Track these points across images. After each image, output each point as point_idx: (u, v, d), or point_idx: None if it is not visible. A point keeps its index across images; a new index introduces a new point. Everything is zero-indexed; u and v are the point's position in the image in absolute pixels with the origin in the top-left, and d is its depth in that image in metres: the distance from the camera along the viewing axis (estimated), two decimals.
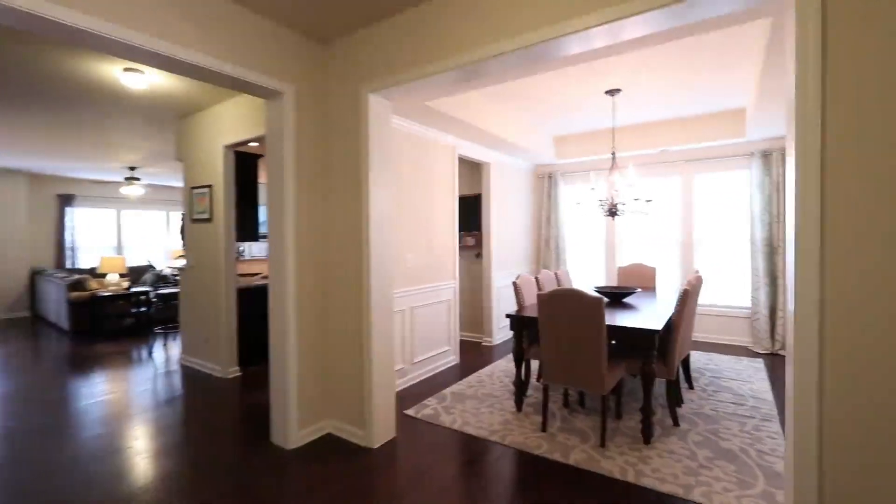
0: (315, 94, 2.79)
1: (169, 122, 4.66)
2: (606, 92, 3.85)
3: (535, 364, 4.12)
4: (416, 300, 3.94)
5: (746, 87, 3.69)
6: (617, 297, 3.64)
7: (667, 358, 2.86)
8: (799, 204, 1.44)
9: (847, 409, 1.35)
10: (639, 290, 3.74)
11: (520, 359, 3.18)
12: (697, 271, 3.96)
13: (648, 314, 3.11)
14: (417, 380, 3.92)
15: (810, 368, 1.40)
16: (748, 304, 5.06)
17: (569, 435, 2.78)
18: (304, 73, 2.71)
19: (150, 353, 5.08)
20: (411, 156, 3.94)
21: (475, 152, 4.85)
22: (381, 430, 2.70)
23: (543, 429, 2.84)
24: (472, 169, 5.62)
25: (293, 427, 2.65)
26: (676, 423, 2.89)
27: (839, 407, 1.36)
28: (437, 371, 4.18)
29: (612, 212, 3.84)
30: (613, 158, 3.89)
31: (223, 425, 3.03)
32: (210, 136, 4.16)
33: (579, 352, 2.63)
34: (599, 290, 3.78)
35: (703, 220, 5.39)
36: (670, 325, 2.87)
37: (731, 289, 5.23)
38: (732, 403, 3.28)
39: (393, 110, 3.53)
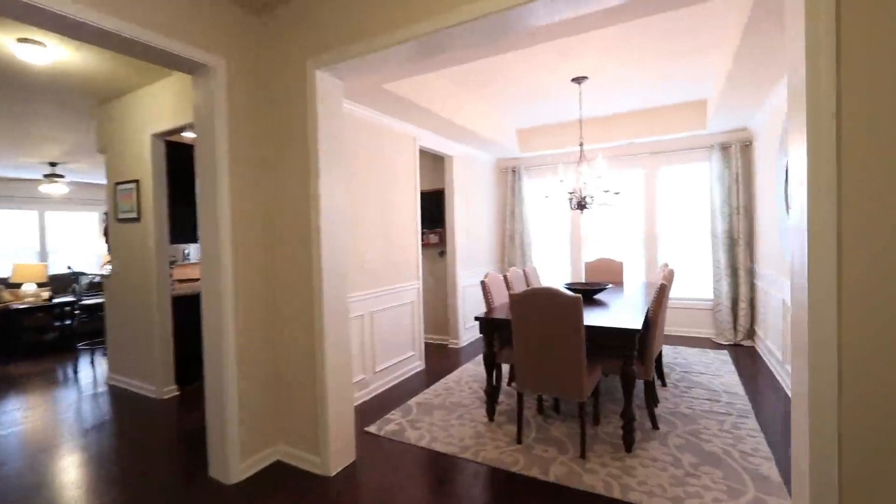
0: (252, 71, 2.42)
1: (89, 108, 4.08)
2: (573, 80, 3.68)
3: (506, 367, 3.91)
4: (376, 303, 3.62)
5: (714, 75, 3.62)
6: (588, 293, 3.48)
7: (644, 357, 2.70)
8: (811, 195, 1.26)
9: (868, 408, 1.19)
10: (610, 285, 3.59)
11: (491, 364, 2.94)
12: (667, 265, 3.87)
13: (623, 311, 2.95)
14: (380, 390, 3.61)
15: (828, 365, 1.23)
16: (710, 295, 5.09)
17: (546, 446, 2.57)
18: (237, 45, 2.34)
19: (74, 373, 4.47)
20: (369, 146, 3.61)
21: (437, 144, 4.58)
22: (338, 453, 2.38)
23: (519, 440, 2.61)
24: (434, 162, 5.35)
25: (234, 457, 2.28)
26: (656, 426, 2.75)
27: (859, 406, 1.20)
28: (401, 379, 3.88)
29: (581, 205, 3.68)
30: (581, 149, 3.73)
31: (155, 456, 2.60)
32: (136, 123, 3.65)
33: (556, 356, 2.42)
34: (570, 286, 3.62)
35: (665, 213, 5.37)
36: (647, 323, 2.72)
37: (693, 281, 5.24)
38: (707, 400, 3.19)
39: (347, 94, 3.19)
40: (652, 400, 2.80)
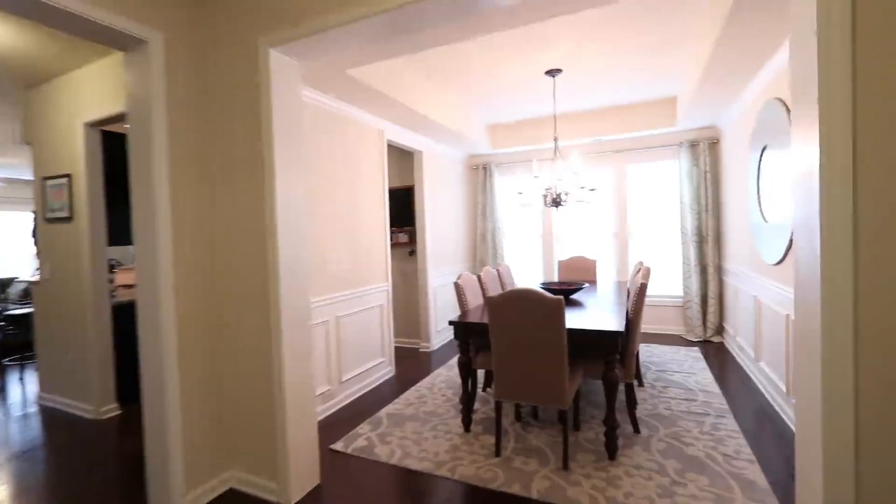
0: (195, 48, 2.14)
1: (12, 94, 3.62)
2: (547, 72, 3.56)
3: (481, 372, 3.75)
4: (342, 308, 3.37)
5: (687, 69, 3.57)
6: (564, 294, 3.37)
7: (625, 359, 2.60)
8: (825, 187, 1.14)
9: (889, 414, 1.09)
10: (586, 285, 3.50)
11: (467, 371, 2.76)
12: (642, 263, 3.82)
13: (603, 312, 2.84)
14: (347, 401, 3.37)
15: (843, 369, 1.12)
16: (680, 293, 5.11)
17: (526, 457, 2.42)
18: (177, 18, 2.05)
19: (0, 392, 3.99)
20: (333, 139, 3.36)
21: (406, 138, 4.36)
22: (300, 478, 2.14)
23: (497, 452, 2.45)
24: (402, 158, 5.13)
25: (178, 488, 2.00)
26: (637, 430, 2.65)
27: (879, 412, 1.10)
28: (370, 388, 3.65)
29: (556, 202, 3.56)
30: (556, 144, 3.61)
31: (89, 487, 2.27)
32: (66, 111, 3.25)
33: (538, 362, 2.27)
34: (546, 286, 3.49)
35: (636, 211, 5.37)
36: (628, 323, 2.62)
37: (663, 278, 5.26)
38: (684, 400, 3.14)
39: (308, 81, 2.93)
40: (633, 402, 2.70)
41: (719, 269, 4.84)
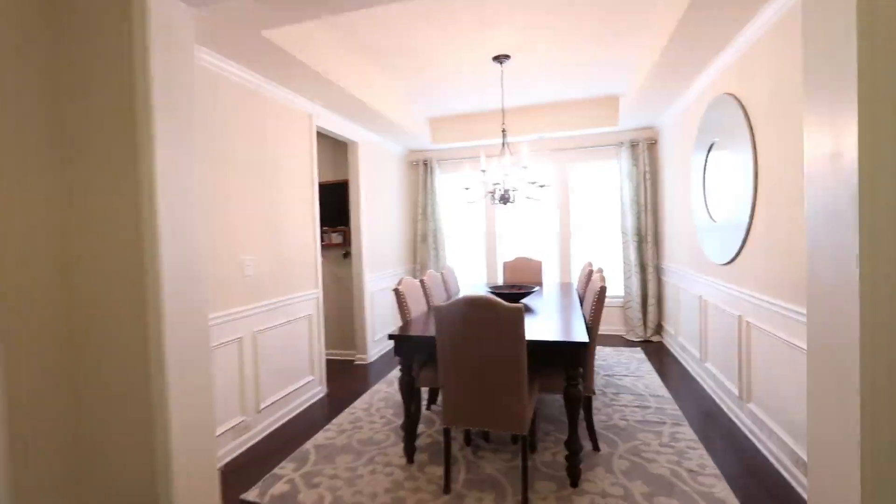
0: None
1: None
2: (495, 58, 3.28)
3: (425, 389, 3.38)
4: (261, 321, 2.85)
5: (638, 62, 3.45)
6: (514, 298, 3.11)
7: (586, 371, 2.37)
8: (864, 177, 0.92)
9: None
10: (536, 288, 3.26)
11: (409, 393, 2.39)
12: (591, 264, 3.68)
13: (558, 318, 2.60)
14: (268, 432, 2.85)
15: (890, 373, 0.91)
16: (621, 293, 5.11)
17: (480, 492, 2.09)
18: None
19: None
20: (252, 121, 2.82)
21: (340, 127, 3.89)
22: None
23: (446, 488, 2.10)
24: (336, 149, 4.63)
25: None
26: (596, 447, 2.44)
27: None
28: (297, 412, 3.15)
29: (505, 198, 3.30)
30: (504, 136, 3.35)
31: None
32: None
33: (493, 381, 1.95)
34: (494, 290, 3.21)
35: (578, 210, 5.30)
36: (588, 332, 2.39)
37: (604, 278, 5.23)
38: (637, 407, 3.00)
39: (216, 43, 2.40)
40: (591, 417, 2.48)
41: (658, 269, 4.88)
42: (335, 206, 4.53)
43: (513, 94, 4.24)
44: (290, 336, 3.15)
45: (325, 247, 4.58)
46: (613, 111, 4.57)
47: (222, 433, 2.49)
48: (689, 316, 3.77)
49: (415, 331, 2.42)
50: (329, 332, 4.52)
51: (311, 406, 3.27)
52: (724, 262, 2.89)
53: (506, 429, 1.98)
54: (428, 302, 3.15)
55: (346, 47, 3.10)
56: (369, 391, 3.51)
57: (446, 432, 2.13)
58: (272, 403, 2.91)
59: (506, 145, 3.37)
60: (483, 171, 3.18)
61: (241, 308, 2.69)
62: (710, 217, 3.15)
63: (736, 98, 2.63)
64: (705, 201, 3.24)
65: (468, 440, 2.56)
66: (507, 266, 4.55)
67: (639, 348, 4.53)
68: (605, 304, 5.17)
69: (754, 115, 2.47)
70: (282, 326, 3.07)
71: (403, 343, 2.35)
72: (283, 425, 2.95)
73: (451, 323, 1.97)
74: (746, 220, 2.54)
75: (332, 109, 3.65)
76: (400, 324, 2.68)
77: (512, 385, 1.92)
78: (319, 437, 2.71)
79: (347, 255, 4.54)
